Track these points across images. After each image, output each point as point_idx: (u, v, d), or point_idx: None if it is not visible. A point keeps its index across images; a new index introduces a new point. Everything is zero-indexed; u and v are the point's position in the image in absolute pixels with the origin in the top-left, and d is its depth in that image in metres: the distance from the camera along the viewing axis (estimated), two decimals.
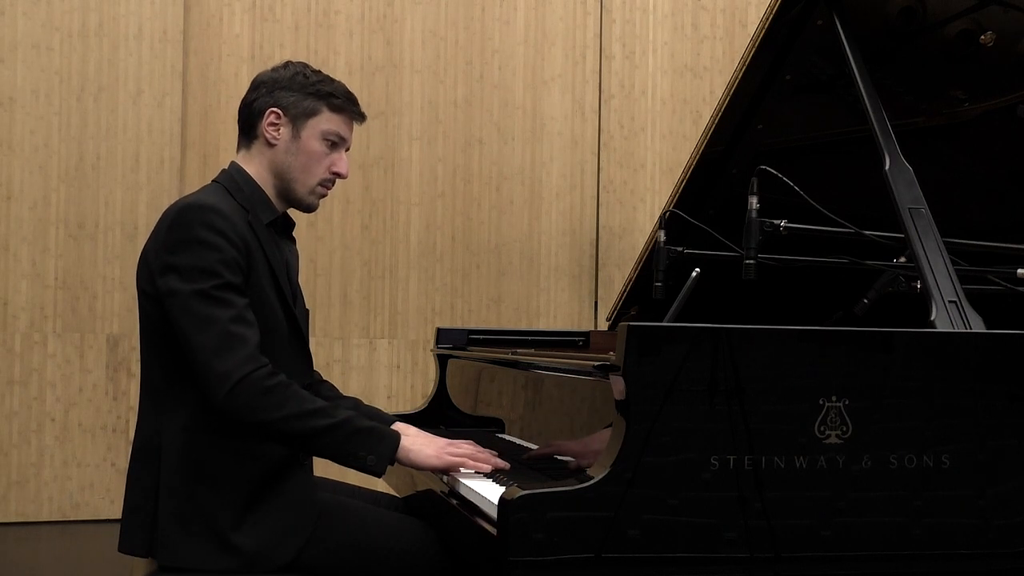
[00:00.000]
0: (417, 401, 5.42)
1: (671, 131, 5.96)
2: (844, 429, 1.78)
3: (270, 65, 2.36)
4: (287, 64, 2.30)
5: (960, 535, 1.82)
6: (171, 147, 5.34)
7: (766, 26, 2.47)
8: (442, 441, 2.19)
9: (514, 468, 2.20)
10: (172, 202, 2.19)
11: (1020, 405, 1.86)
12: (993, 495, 1.83)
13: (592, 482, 1.70)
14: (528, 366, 2.45)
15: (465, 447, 2.19)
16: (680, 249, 2.61)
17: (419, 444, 2.13)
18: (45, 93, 5.22)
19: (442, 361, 3.12)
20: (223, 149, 5.40)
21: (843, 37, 2.35)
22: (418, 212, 5.69)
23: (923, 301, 2.05)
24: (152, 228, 2.16)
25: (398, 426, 2.43)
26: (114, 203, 5.26)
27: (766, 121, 2.67)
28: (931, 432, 1.81)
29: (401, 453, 2.10)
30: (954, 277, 2.07)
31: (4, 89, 5.17)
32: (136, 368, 5.26)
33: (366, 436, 2.07)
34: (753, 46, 2.52)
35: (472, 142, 5.76)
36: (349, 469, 2.10)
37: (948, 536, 1.81)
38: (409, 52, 5.69)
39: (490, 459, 2.17)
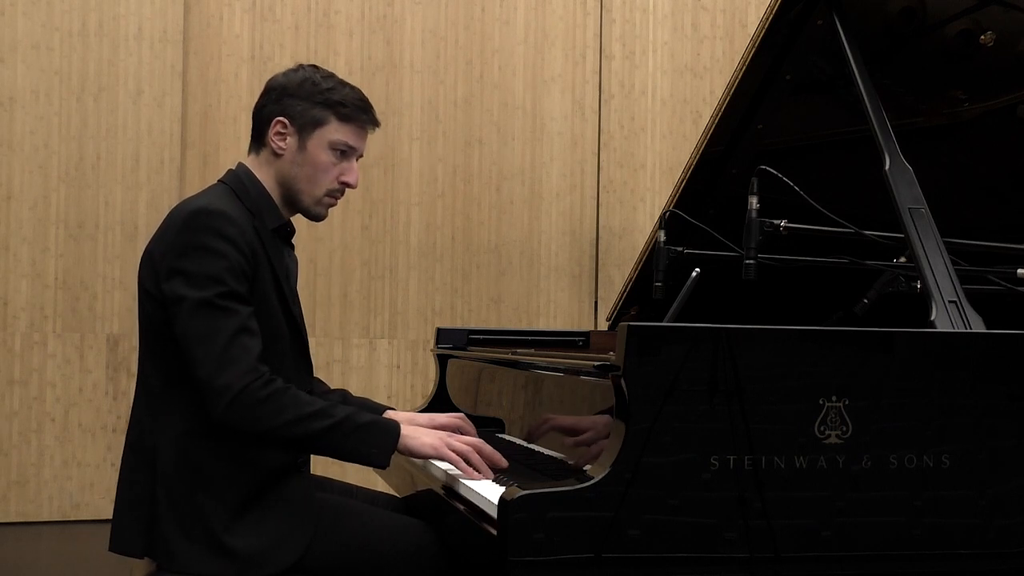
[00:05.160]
0: (417, 401, 5.42)
1: (671, 131, 5.96)
2: (844, 429, 1.78)
3: (269, 66, 2.34)
4: (299, 68, 2.26)
5: (960, 535, 1.81)
6: (171, 147, 5.34)
7: (766, 26, 2.47)
8: (443, 431, 2.18)
9: (514, 468, 2.20)
10: (172, 202, 2.18)
11: (1020, 405, 1.85)
12: (993, 495, 1.83)
13: (592, 482, 1.70)
14: (528, 366, 2.45)
15: (465, 442, 2.16)
16: (680, 249, 2.61)
17: (418, 433, 2.13)
18: (45, 93, 5.22)
19: (442, 361, 3.11)
20: (223, 149, 5.39)
21: (843, 37, 2.35)
22: (418, 212, 5.69)
23: (923, 301, 2.05)
24: (152, 228, 2.15)
25: (397, 415, 2.42)
26: (114, 203, 5.26)
27: (766, 121, 2.67)
28: (931, 432, 1.81)
29: (401, 443, 2.10)
30: (954, 277, 2.06)
31: (4, 89, 5.17)
32: (136, 368, 5.25)
33: (366, 431, 2.07)
34: (753, 46, 2.52)
35: (472, 142, 5.76)
36: (349, 468, 2.10)
37: (948, 536, 1.81)
38: (409, 52, 5.68)
39: (494, 456, 2.14)
